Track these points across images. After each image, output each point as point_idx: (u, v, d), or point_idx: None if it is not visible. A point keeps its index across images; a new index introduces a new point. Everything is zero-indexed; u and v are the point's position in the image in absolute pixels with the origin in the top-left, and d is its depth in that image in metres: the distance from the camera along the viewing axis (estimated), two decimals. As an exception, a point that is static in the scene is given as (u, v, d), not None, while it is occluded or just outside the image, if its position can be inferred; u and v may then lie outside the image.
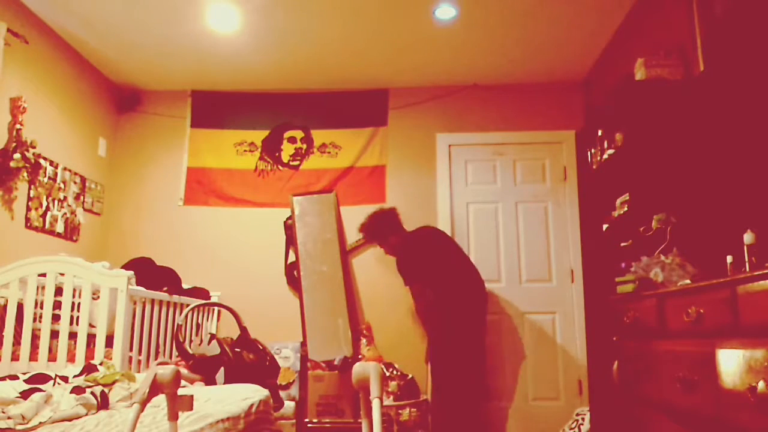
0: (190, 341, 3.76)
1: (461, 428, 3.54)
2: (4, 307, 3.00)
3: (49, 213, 3.83)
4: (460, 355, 3.62)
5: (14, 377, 2.24)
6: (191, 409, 1.64)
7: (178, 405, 1.60)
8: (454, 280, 3.74)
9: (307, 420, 3.91)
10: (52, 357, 2.94)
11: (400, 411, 3.80)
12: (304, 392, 4.07)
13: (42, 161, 3.73)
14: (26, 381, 2.18)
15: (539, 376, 4.27)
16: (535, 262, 4.41)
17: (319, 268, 4.41)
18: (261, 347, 3.08)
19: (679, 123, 2.70)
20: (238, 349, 2.96)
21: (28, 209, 3.63)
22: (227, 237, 4.58)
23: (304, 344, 4.25)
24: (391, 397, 3.84)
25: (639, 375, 2.39)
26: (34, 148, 3.55)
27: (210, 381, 2.80)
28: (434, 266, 3.79)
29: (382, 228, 4.06)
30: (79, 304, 3.01)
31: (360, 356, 4.12)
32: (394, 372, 4.02)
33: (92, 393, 2.12)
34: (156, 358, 3.34)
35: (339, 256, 4.41)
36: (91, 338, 2.95)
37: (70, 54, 4.11)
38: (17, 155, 3.42)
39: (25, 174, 3.58)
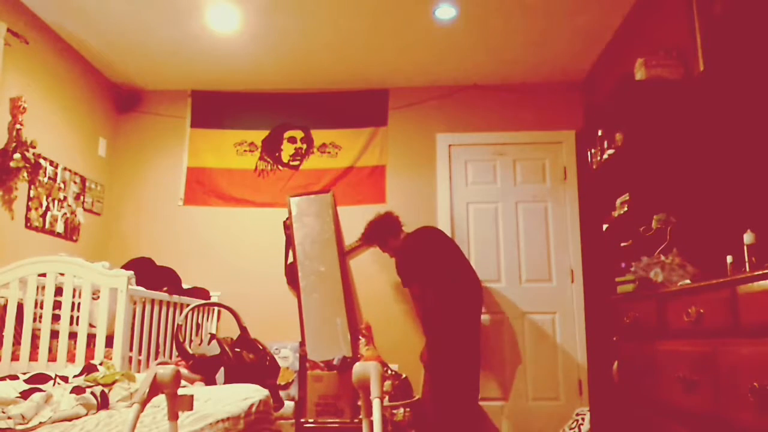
0: (190, 341, 3.76)
1: (456, 428, 3.54)
2: (4, 307, 3.00)
3: (49, 213, 3.83)
4: (457, 355, 3.62)
5: (14, 377, 2.24)
6: (191, 409, 1.64)
7: (178, 405, 1.60)
8: (452, 281, 3.74)
9: (303, 420, 3.91)
10: (52, 357, 2.94)
11: (394, 411, 3.80)
12: (303, 392, 4.06)
13: (42, 161, 3.73)
14: (26, 381, 2.18)
15: (539, 376, 4.27)
16: (535, 262, 4.41)
17: (317, 268, 4.41)
18: (261, 347, 3.08)
19: (679, 123, 2.70)
20: (238, 349, 2.96)
21: (28, 209, 3.63)
22: (227, 237, 4.58)
23: (302, 344, 4.25)
24: (386, 397, 3.85)
25: (639, 375, 2.39)
26: (34, 148, 3.55)
27: (210, 381, 2.80)
28: (432, 266, 3.79)
29: (380, 233, 4.11)
30: (79, 304, 3.01)
31: (359, 356, 4.12)
32: (389, 372, 4.03)
33: (92, 393, 2.12)
34: (156, 358, 3.34)
35: (337, 256, 4.41)
36: (91, 338, 2.95)
37: (70, 54, 4.11)
38: (17, 155, 3.42)
39: (25, 174, 3.58)
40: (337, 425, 3.85)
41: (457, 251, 3.93)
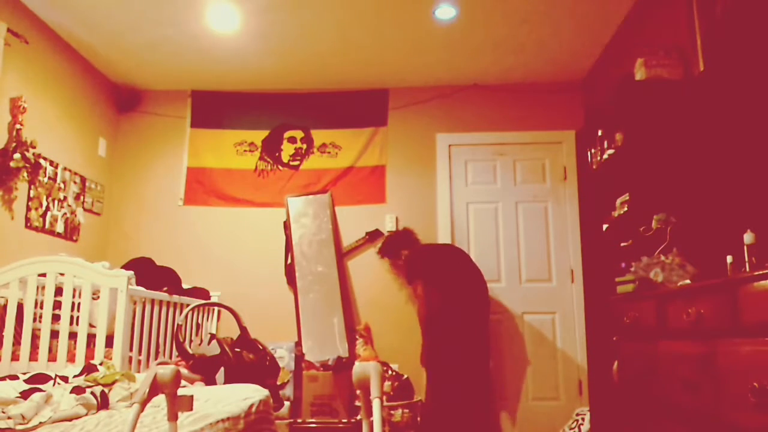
0: (190, 341, 3.76)
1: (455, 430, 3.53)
2: (4, 307, 3.00)
3: (49, 213, 3.83)
4: (455, 359, 3.60)
5: (14, 377, 2.24)
6: (191, 409, 1.63)
7: (178, 405, 1.59)
8: (457, 284, 3.72)
9: (294, 420, 3.90)
10: (52, 357, 2.94)
11: (392, 411, 3.79)
12: (298, 392, 4.07)
13: (42, 161, 3.73)
14: (26, 381, 2.18)
15: (539, 376, 4.27)
16: (535, 262, 4.41)
17: (314, 268, 4.41)
18: (261, 347, 3.08)
19: (679, 123, 2.70)
20: (238, 349, 2.96)
21: (28, 209, 3.63)
22: (227, 237, 4.58)
23: (298, 344, 4.25)
24: (384, 398, 3.84)
25: (639, 375, 2.39)
26: (34, 148, 3.55)
27: (210, 381, 2.79)
28: (438, 268, 3.78)
29: (396, 246, 4.16)
30: (79, 304, 3.01)
31: (357, 356, 4.12)
32: (390, 372, 4.02)
33: (92, 393, 2.12)
34: (156, 358, 3.34)
35: (334, 257, 4.41)
36: (91, 338, 2.95)
37: (70, 54, 4.11)
38: (17, 155, 3.42)
39: (25, 174, 3.58)
40: (332, 425, 3.85)
41: (465, 261, 3.89)
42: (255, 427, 2.13)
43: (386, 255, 4.27)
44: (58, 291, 2.99)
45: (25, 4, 3.57)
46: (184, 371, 2.70)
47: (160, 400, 1.70)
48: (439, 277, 3.75)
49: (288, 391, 4.10)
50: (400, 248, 4.15)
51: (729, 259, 2.07)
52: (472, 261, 3.94)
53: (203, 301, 3.88)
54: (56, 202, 3.91)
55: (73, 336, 2.97)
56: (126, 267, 3.53)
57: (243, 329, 3.12)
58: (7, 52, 3.38)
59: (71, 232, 4.09)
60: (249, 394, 2.24)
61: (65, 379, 2.31)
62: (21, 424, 1.84)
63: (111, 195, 4.65)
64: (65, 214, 4.01)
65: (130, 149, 4.75)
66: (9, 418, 1.85)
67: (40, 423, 1.86)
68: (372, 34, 3.93)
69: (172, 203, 4.66)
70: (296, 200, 4.55)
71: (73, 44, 4.08)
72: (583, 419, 3.74)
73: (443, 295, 3.68)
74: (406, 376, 4.03)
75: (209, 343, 2.98)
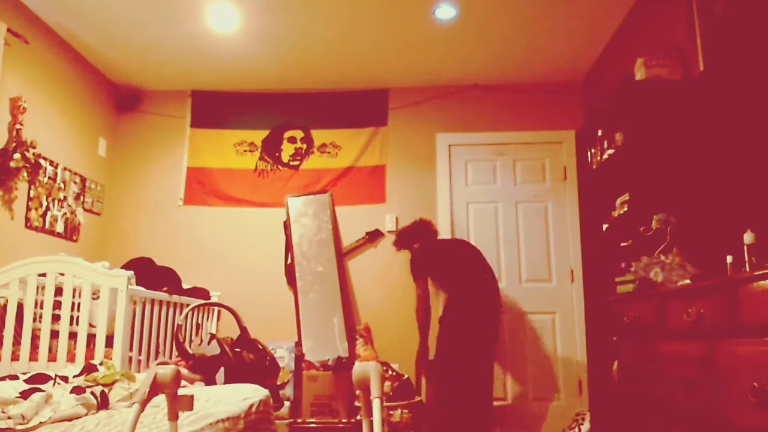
0: (190, 341, 3.76)
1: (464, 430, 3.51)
2: (4, 307, 3.00)
3: (49, 213, 3.83)
4: (467, 360, 3.55)
5: (14, 377, 2.24)
6: (191, 409, 1.63)
7: (178, 405, 1.59)
8: (466, 287, 3.66)
9: (294, 420, 3.90)
10: (52, 357, 2.94)
11: (392, 412, 3.79)
12: (298, 392, 4.07)
13: (42, 161, 3.73)
14: (26, 381, 2.18)
15: (539, 376, 4.27)
16: (535, 262, 4.41)
17: (314, 268, 4.41)
18: (261, 347, 3.09)
19: (679, 123, 2.70)
20: (238, 349, 2.96)
21: (28, 209, 3.63)
22: (227, 237, 4.58)
23: (298, 344, 4.25)
24: (384, 398, 3.82)
25: (639, 375, 2.40)
26: (34, 148, 3.55)
27: (210, 381, 2.80)
28: (443, 269, 3.74)
29: (410, 238, 4.01)
30: (79, 304, 3.01)
31: (357, 356, 4.11)
32: (390, 372, 4.02)
33: (92, 393, 2.12)
34: (156, 358, 3.34)
35: (334, 257, 4.41)
36: (91, 338, 2.95)
37: (70, 54, 4.11)
38: (17, 155, 3.42)
39: (25, 174, 3.58)
40: (332, 425, 3.84)
41: (477, 261, 3.76)
42: (255, 427, 2.14)
43: (401, 247, 4.09)
44: (58, 291, 2.99)
45: (25, 4, 3.57)
46: (184, 371, 2.71)
47: (160, 400, 1.70)
48: (444, 278, 3.70)
49: (288, 391, 4.10)
50: (414, 241, 3.99)
51: (729, 259, 2.08)
52: (484, 259, 3.78)
53: (203, 301, 3.88)
54: (56, 202, 3.91)
55: (73, 336, 2.97)
56: (126, 267, 3.53)
57: (243, 329, 3.13)
58: (7, 52, 3.38)
59: (71, 232, 4.09)
60: (249, 394, 2.24)
61: (65, 379, 2.31)
62: (21, 424, 1.84)
63: (111, 195, 4.65)
64: (65, 214, 4.01)
65: (130, 149, 4.75)
66: (9, 418, 1.85)
67: (40, 423, 1.86)
68: (372, 34, 3.93)
69: (172, 203, 4.66)
70: (296, 200, 4.55)
71: (73, 44, 4.08)
72: (583, 419, 3.74)
73: (455, 300, 3.60)
74: (406, 376, 4.03)
75: (209, 343, 2.99)
